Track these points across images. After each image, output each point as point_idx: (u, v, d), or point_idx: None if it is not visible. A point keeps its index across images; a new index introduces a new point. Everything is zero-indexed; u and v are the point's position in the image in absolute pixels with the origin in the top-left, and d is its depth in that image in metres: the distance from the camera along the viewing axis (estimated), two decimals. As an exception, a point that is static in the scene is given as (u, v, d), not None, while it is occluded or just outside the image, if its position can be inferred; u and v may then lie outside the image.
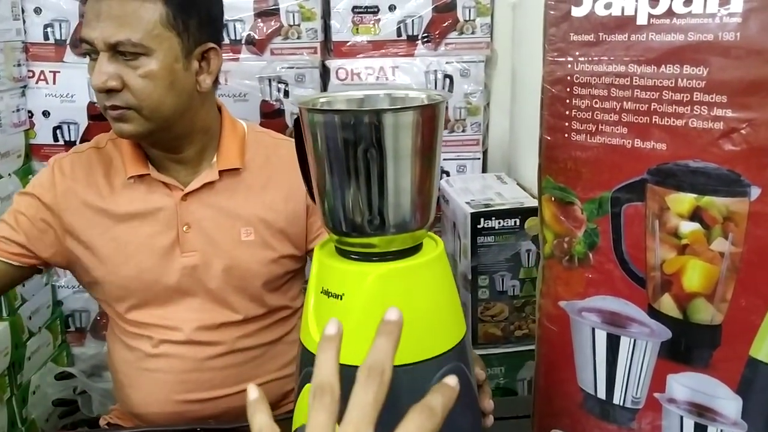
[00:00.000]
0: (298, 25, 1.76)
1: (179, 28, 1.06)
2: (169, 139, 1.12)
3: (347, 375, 0.68)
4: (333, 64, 1.79)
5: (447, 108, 1.81)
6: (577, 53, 0.69)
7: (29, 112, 1.77)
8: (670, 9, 0.64)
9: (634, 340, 0.72)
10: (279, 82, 1.77)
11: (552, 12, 0.70)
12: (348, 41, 1.80)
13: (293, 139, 1.22)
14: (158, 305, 1.16)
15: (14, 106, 1.71)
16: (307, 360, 0.74)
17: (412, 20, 1.79)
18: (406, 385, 0.71)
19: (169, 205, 1.14)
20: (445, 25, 1.80)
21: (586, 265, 0.73)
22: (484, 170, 1.94)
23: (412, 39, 1.81)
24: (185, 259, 1.14)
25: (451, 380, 0.53)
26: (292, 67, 1.77)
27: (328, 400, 0.49)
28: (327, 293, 0.72)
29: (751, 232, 0.63)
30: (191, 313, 1.16)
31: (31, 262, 1.15)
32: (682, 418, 0.70)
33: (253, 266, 1.16)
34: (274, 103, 1.78)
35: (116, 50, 1.03)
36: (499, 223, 1.52)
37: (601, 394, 0.75)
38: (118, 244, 1.14)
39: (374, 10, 1.78)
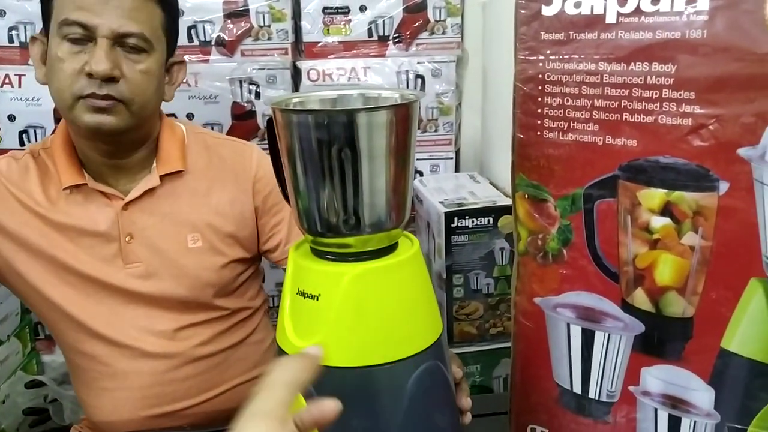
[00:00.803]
0: (269, 26, 1.75)
1: (168, 36, 1.08)
2: (130, 141, 1.09)
3: (332, 375, 0.68)
4: (304, 65, 1.79)
5: (419, 108, 1.82)
6: (548, 52, 0.70)
7: (-6, 117, 1.74)
8: (638, 7, 0.65)
9: (609, 335, 0.73)
10: (250, 84, 1.76)
11: (523, 11, 0.71)
12: (319, 42, 1.79)
13: (231, 138, 1.21)
14: (104, 321, 1.10)
15: (-21, 111, 1.68)
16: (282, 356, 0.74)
17: (383, 21, 1.79)
18: (384, 385, 0.71)
19: (109, 215, 1.09)
20: (416, 25, 1.80)
21: (560, 262, 0.74)
22: (457, 170, 1.95)
23: (383, 39, 1.81)
24: (129, 270, 1.10)
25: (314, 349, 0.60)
26: (263, 69, 1.76)
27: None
28: (303, 294, 0.72)
29: (720, 225, 0.64)
30: (141, 326, 1.11)
31: None
32: (656, 410, 0.71)
33: (202, 274, 1.12)
34: (246, 104, 1.76)
35: (120, 41, 1.01)
36: (473, 222, 1.53)
37: (577, 388, 0.76)
38: (50, 255, 1.08)
39: (345, 11, 1.78)
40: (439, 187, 1.69)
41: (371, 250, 0.73)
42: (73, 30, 1.00)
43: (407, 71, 1.80)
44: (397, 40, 1.80)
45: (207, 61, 1.75)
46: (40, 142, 1.16)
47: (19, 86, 1.75)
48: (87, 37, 1.00)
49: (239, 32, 1.75)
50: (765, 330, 0.64)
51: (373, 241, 0.73)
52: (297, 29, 1.81)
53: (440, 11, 1.82)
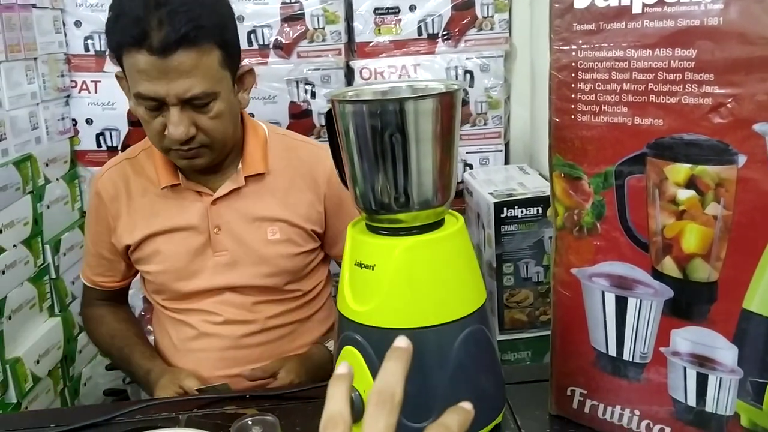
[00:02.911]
0: (323, 28, 1.84)
1: (230, 65, 1.14)
2: (219, 160, 1.22)
3: (385, 336, 0.76)
4: (357, 64, 1.87)
5: (468, 102, 1.88)
6: (580, 41, 0.77)
7: (73, 120, 1.88)
8: (661, -2, 0.71)
9: (640, 301, 0.79)
10: (306, 84, 1.86)
11: (557, 5, 0.78)
12: (371, 42, 1.88)
13: (311, 140, 1.31)
14: (195, 298, 1.26)
15: (59, 114, 1.82)
16: (344, 325, 0.83)
17: (432, 19, 1.87)
18: (433, 344, 0.79)
19: (200, 210, 1.23)
20: (464, 22, 1.87)
21: (594, 234, 0.81)
22: (507, 162, 2.00)
23: (432, 37, 1.88)
24: (218, 258, 1.24)
25: (467, 405, 0.54)
26: (318, 69, 1.86)
27: (340, 430, 0.50)
28: (360, 265, 0.80)
29: (740, 196, 0.70)
30: (223, 299, 1.26)
31: (125, 283, 1.38)
32: (685, 369, 0.77)
33: (279, 261, 1.25)
34: (302, 104, 1.86)
35: (188, 102, 1.09)
36: (522, 211, 1.57)
37: (612, 351, 0.82)
38: (154, 249, 1.25)
39: (395, 11, 1.86)
40: (488, 179, 1.74)
41: (420, 225, 0.81)
42: (146, 102, 1.11)
43: (456, 67, 1.87)
44: (446, 37, 1.87)
45: (266, 63, 1.86)
46: (141, 143, 1.31)
47: (96, 92, 1.89)
48: (159, 104, 1.10)
49: (295, 35, 1.85)
50: (783, 291, 0.69)
51: (421, 217, 0.81)
52: (350, 30, 1.89)
53: (488, 8, 1.87)
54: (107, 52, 1.85)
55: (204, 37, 1.06)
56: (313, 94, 1.87)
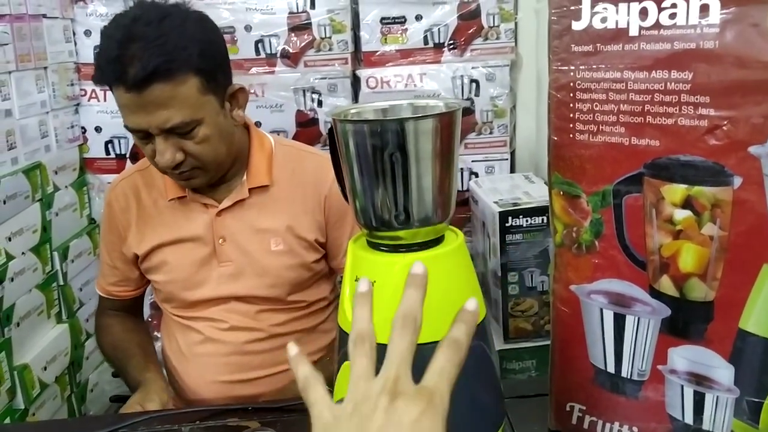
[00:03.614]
0: (330, 37, 1.85)
1: (213, 89, 1.15)
2: (221, 175, 1.24)
3: (385, 352, 0.77)
4: (363, 73, 1.88)
5: (474, 111, 1.89)
6: (578, 62, 0.78)
7: (83, 128, 1.90)
8: (657, 21, 0.71)
9: (638, 318, 0.80)
10: (313, 93, 1.87)
11: (555, 26, 0.79)
12: (377, 51, 1.89)
13: (317, 151, 1.33)
14: (201, 306, 1.29)
15: (69, 122, 1.84)
16: (344, 341, 0.83)
17: (438, 28, 1.88)
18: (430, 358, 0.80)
19: (206, 221, 1.26)
20: (470, 31, 1.87)
21: (592, 252, 0.81)
22: (513, 170, 2.00)
23: (438, 46, 1.89)
24: (222, 268, 1.26)
25: (471, 304, 0.59)
26: (325, 78, 1.87)
27: (367, 347, 0.55)
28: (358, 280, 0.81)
29: (735, 216, 0.70)
30: (229, 307, 1.28)
31: (138, 293, 1.42)
32: (682, 387, 0.78)
33: (282, 272, 1.27)
34: (309, 112, 1.88)
35: (170, 131, 1.11)
36: (527, 221, 1.58)
37: (611, 368, 0.83)
38: (162, 259, 1.28)
39: (401, 21, 1.87)
40: (494, 188, 1.74)
41: (420, 242, 0.82)
42: (134, 133, 1.15)
43: (462, 76, 1.88)
44: (452, 46, 1.88)
45: (273, 72, 1.87)
46: None
47: (105, 100, 1.91)
48: (146, 134, 1.13)
49: (302, 44, 1.86)
50: (778, 311, 0.70)
51: (421, 234, 0.81)
52: (356, 39, 1.91)
53: (494, 17, 1.88)
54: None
55: (177, 69, 1.08)
56: (320, 103, 1.88)
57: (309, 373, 0.57)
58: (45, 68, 1.72)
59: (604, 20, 0.75)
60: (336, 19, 1.85)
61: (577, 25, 0.77)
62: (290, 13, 1.83)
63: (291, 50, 1.86)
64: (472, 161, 1.94)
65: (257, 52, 1.85)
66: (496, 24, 1.88)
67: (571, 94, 0.79)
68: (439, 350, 0.55)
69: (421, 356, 0.78)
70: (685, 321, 0.76)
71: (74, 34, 1.86)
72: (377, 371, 0.54)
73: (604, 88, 0.77)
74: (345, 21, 1.86)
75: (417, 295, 0.57)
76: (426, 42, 1.88)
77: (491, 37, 1.89)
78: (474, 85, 1.89)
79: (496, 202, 1.61)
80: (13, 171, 1.55)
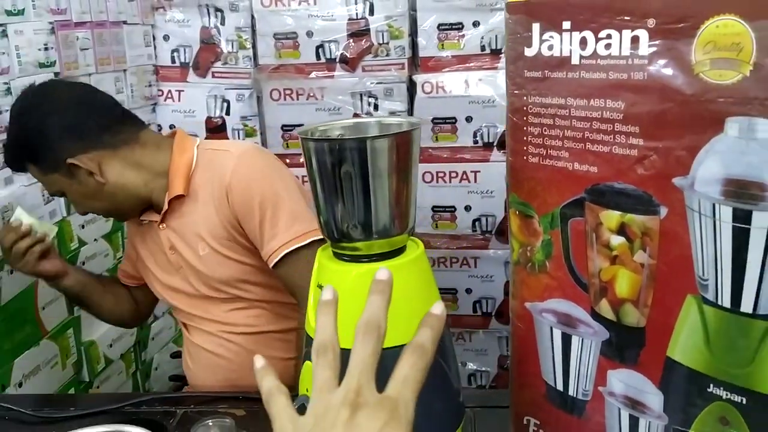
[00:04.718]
0: (387, 43, 1.91)
1: (55, 167, 1.27)
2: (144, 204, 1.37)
3: (343, 355, 0.82)
4: (420, 78, 1.93)
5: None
6: (530, 87, 0.80)
7: (158, 126, 2.05)
8: (595, 51, 0.73)
9: (582, 339, 0.81)
10: (369, 97, 1.94)
11: (510, 52, 0.81)
12: (434, 56, 1.93)
13: (235, 147, 1.40)
14: (180, 310, 1.44)
15: (146, 120, 1.98)
16: (308, 343, 0.90)
17: (495, 35, 1.89)
18: (388, 366, 0.84)
19: (158, 235, 1.37)
20: (527, 38, 1.87)
21: (543, 272, 0.84)
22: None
23: (495, 53, 1.91)
24: (180, 274, 1.38)
25: (437, 308, 0.57)
26: (382, 83, 1.93)
27: (330, 357, 0.53)
28: (322, 288, 0.87)
29: (662, 246, 0.71)
30: (205, 309, 1.40)
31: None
32: (619, 410, 0.79)
33: (217, 270, 1.34)
34: (365, 116, 1.94)
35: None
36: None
37: (560, 386, 0.85)
38: (144, 273, 1.48)
39: (459, 27, 1.90)
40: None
41: (381, 253, 0.87)
42: None
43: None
44: (507, 53, 1.88)
45: (332, 77, 1.95)
46: None
47: (179, 100, 2.05)
48: None
49: (360, 50, 1.93)
50: (699, 342, 0.70)
51: (381, 245, 0.86)
52: (414, 45, 1.95)
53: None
54: (190, 64, 2.02)
55: (17, 161, 1.31)
56: (376, 107, 1.94)
57: (273, 386, 0.55)
58: (124, 71, 1.88)
59: (551, 48, 0.77)
60: (394, 25, 1.90)
61: (528, 52, 0.79)
62: (350, 19, 1.90)
63: (349, 55, 1.93)
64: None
65: (318, 57, 1.93)
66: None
67: (525, 118, 0.81)
68: (403, 356, 0.54)
69: (385, 362, 0.84)
70: (621, 345, 0.77)
71: (154, 38, 2.01)
72: (341, 379, 0.53)
73: (551, 114, 0.78)
74: (403, 27, 1.91)
75: (380, 301, 0.56)
76: (483, 48, 1.91)
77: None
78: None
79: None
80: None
